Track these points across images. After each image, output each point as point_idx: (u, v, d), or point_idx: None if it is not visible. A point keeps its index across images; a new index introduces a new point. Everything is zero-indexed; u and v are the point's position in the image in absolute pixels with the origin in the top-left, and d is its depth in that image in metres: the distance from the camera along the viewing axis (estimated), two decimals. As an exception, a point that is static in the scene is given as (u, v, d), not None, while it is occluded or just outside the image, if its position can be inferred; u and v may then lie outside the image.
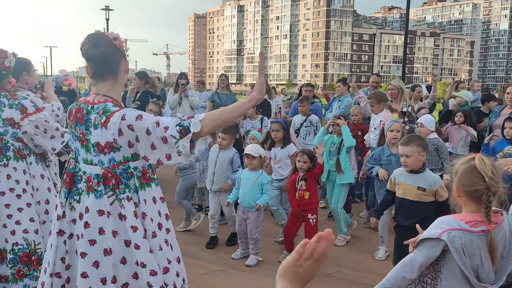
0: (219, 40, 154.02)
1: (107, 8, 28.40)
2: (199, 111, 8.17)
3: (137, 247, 2.14)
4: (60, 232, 2.23)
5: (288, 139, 5.24)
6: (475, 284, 2.00)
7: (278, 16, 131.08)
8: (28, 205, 3.10)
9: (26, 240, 3.06)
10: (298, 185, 4.52)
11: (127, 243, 2.15)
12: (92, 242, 2.15)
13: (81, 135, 2.20)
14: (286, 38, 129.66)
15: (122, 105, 2.28)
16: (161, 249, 2.22)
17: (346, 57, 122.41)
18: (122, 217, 2.14)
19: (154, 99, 6.95)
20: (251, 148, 4.59)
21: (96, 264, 2.15)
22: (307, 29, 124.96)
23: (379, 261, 4.63)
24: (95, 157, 2.17)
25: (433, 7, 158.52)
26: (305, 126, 6.51)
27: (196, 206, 6.23)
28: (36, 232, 3.11)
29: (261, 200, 4.44)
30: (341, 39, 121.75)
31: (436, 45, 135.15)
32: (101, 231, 2.15)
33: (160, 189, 2.34)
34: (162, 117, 2.16)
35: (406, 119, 5.62)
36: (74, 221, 2.23)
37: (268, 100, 8.11)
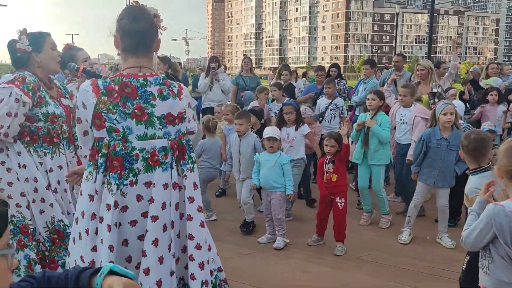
0: (238, 24, 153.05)
1: (127, -6, 28.36)
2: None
3: (190, 218, 2.15)
4: (116, 224, 2.07)
5: (300, 120, 5.18)
6: None
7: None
8: (17, 179, 2.95)
9: (20, 213, 2.97)
10: (325, 167, 4.46)
11: (181, 216, 2.16)
12: (154, 218, 2.07)
13: (136, 110, 2.05)
14: (305, 20, 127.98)
15: None
16: (203, 225, 2.22)
17: (367, 38, 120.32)
18: (181, 188, 2.15)
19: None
20: (272, 131, 4.56)
21: (155, 242, 2.07)
22: (326, 11, 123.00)
23: (408, 244, 4.56)
24: (159, 130, 2.09)
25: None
26: (330, 110, 6.42)
27: (220, 190, 6.23)
28: (28, 207, 2.97)
29: (289, 187, 4.45)
30: (361, 20, 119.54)
31: (460, 24, 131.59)
32: (164, 206, 2.09)
33: None
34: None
35: (436, 99, 5.46)
36: (125, 208, 2.08)
37: (292, 83, 7.99)
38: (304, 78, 13.45)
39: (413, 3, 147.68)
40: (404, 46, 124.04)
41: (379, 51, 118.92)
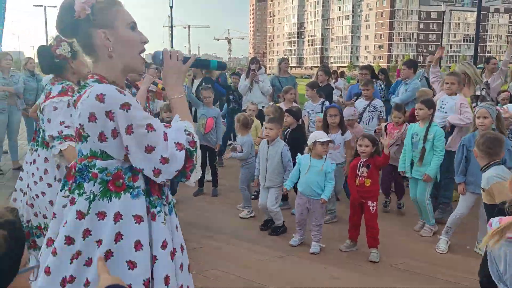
0: (280, 23, 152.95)
1: (171, -4, 28.91)
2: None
3: (47, 270, 1.63)
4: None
5: (344, 125, 5.13)
6: None
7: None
8: (43, 193, 3.11)
9: (46, 225, 3.12)
10: (359, 171, 4.35)
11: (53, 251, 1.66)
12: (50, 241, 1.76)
13: None
14: (348, 19, 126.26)
15: (121, 86, 1.71)
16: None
17: (412, 36, 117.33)
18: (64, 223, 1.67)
19: (204, 84, 6.90)
20: (324, 135, 4.49)
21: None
22: (370, 9, 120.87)
23: (442, 254, 4.39)
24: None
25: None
26: (369, 111, 6.28)
27: (255, 192, 6.21)
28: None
29: (326, 193, 4.37)
30: (406, 18, 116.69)
31: (511, 22, 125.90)
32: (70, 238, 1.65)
33: (144, 204, 1.66)
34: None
35: (478, 103, 5.22)
36: None
37: (331, 84, 7.88)
38: (342, 78, 13.24)
39: (461, 0, 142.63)
40: (451, 45, 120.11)
41: (424, 50, 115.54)
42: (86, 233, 1.59)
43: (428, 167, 4.68)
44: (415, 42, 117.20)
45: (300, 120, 5.85)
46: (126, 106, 1.54)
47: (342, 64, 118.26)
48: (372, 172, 4.32)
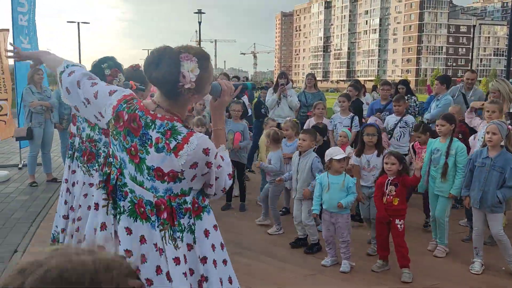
0: (306, 37, 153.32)
1: (199, 12, 29.53)
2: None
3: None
4: None
5: (381, 145, 4.97)
6: None
7: (367, 11, 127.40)
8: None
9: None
10: (386, 189, 4.28)
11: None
12: (149, 282, 1.82)
13: (133, 149, 1.84)
14: (375, 32, 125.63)
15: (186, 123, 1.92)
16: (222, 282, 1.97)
17: (441, 50, 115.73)
18: (176, 260, 1.81)
19: (235, 98, 6.97)
20: (339, 152, 4.45)
21: None
22: (398, 23, 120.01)
23: (477, 275, 4.26)
24: (147, 181, 1.83)
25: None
26: (400, 127, 6.19)
27: (283, 209, 6.17)
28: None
29: (346, 199, 4.31)
30: (435, 32, 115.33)
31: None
32: (158, 270, 1.82)
33: (213, 215, 2.03)
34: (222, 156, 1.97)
35: (510, 121, 5.10)
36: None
37: (360, 99, 7.83)
38: (374, 92, 13.09)
39: (491, 14, 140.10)
40: (481, 59, 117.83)
41: (454, 64, 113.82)
42: (201, 260, 1.90)
43: (451, 184, 4.62)
44: (444, 56, 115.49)
45: (326, 137, 5.82)
46: (216, 155, 1.88)
47: (369, 78, 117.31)
48: (400, 191, 4.25)
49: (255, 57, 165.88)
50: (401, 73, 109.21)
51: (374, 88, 15.79)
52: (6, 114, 8.20)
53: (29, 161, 7.55)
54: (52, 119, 7.59)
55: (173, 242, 1.82)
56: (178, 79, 1.78)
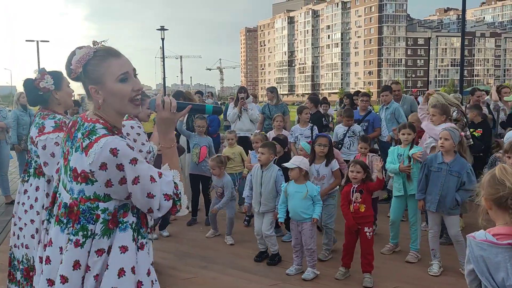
0: (270, 52, 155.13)
1: (162, 28, 29.45)
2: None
3: None
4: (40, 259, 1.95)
5: (332, 155, 5.04)
6: None
7: (328, 25, 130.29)
8: (32, 221, 3.11)
9: (26, 255, 3.12)
10: (352, 197, 4.40)
11: None
12: (50, 283, 1.82)
13: (66, 152, 1.88)
14: (337, 46, 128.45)
15: (119, 130, 1.91)
16: None
17: (401, 62, 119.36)
18: (76, 265, 1.77)
19: (199, 114, 6.97)
20: (292, 160, 4.55)
21: None
22: (358, 37, 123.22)
23: (436, 276, 4.40)
24: (68, 183, 1.84)
25: (492, 7, 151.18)
26: (348, 136, 6.55)
27: (247, 218, 6.19)
28: (34, 248, 3.11)
29: (316, 212, 4.39)
30: (394, 45, 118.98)
31: (497, 46, 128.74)
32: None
33: (131, 237, 1.82)
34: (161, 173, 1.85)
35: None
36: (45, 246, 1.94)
37: (320, 110, 7.99)
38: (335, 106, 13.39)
39: (447, 26, 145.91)
40: (439, 70, 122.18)
41: (413, 75, 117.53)
42: (87, 268, 1.77)
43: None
44: (404, 68, 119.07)
45: (287, 148, 5.92)
46: (134, 161, 1.75)
47: (333, 91, 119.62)
48: (365, 198, 4.37)
49: (221, 72, 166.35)
50: (364, 85, 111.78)
51: (342, 101, 16.08)
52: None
53: (-16, 183, 7.31)
54: (9, 139, 7.39)
55: (68, 244, 1.78)
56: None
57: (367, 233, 4.31)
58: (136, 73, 1.93)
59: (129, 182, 1.74)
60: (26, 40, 40.92)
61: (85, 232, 1.77)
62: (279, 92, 8.62)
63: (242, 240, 5.52)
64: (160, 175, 1.83)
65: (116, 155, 1.71)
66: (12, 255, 3.25)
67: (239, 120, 7.56)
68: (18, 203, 3.24)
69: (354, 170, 4.40)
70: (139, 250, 1.85)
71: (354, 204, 4.36)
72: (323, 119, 7.69)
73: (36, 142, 3.02)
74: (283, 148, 5.65)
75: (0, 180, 7.49)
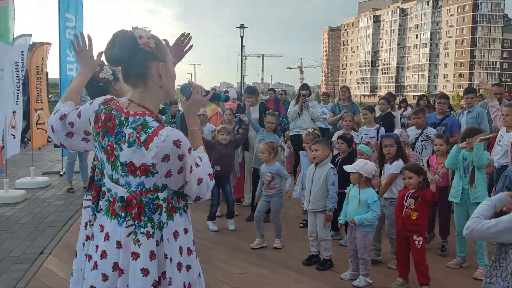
0: (353, 52, 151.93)
1: (241, 26, 29.99)
2: (322, 122, 8.10)
3: None
4: (89, 257, 1.95)
5: (402, 154, 4.82)
6: None
7: (417, 25, 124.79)
8: None
9: None
10: (406, 202, 4.14)
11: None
12: (104, 277, 1.85)
13: (109, 148, 1.87)
14: (425, 47, 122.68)
15: (159, 118, 1.92)
16: None
17: (495, 65, 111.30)
18: (134, 255, 1.81)
19: (270, 110, 7.04)
20: (355, 164, 4.38)
21: None
22: (449, 37, 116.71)
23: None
24: (122, 177, 1.85)
25: None
26: (421, 140, 5.96)
27: (304, 221, 6.07)
28: None
29: (360, 216, 4.17)
30: (489, 46, 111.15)
31: None
32: (115, 267, 1.84)
33: (186, 218, 1.96)
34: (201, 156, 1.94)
35: None
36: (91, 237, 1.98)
37: (391, 112, 7.64)
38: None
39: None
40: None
41: (508, 79, 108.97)
42: (164, 256, 1.85)
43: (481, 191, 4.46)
44: (498, 71, 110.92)
45: (351, 148, 5.71)
46: (190, 150, 1.83)
47: (419, 93, 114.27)
48: (420, 205, 4.09)
49: (301, 71, 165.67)
50: (453, 88, 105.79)
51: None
52: (44, 123, 8.65)
53: (66, 168, 7.91)
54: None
55: (134, 237, 1.82)
56: (135, 42, 1.82)
57: (416, 242, 4.05)
58: None
59: (187, 171, 1.81)
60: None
61: (153, 223, 1.83)
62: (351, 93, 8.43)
63: (293, 240, 5.42)
64: (200, 158, 1.91)
65: (179, 146, 1.77)
66: None
67: (299, 117, 7.43)
68: None
69: (405, 176, 4.16)
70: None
71: (406, 210, 4.10)
72: (400, 120, 7.38)
73: None
74: (349, 148, 5.47)
75: (80, 165, 8.06)
